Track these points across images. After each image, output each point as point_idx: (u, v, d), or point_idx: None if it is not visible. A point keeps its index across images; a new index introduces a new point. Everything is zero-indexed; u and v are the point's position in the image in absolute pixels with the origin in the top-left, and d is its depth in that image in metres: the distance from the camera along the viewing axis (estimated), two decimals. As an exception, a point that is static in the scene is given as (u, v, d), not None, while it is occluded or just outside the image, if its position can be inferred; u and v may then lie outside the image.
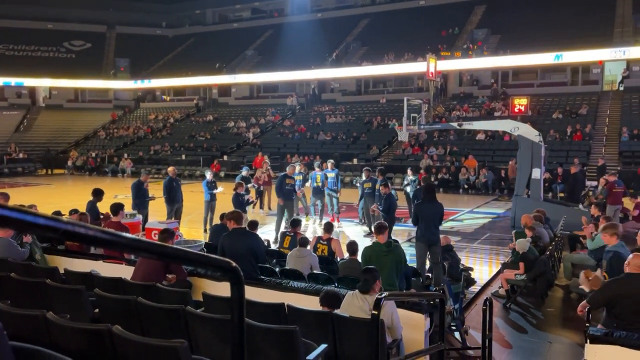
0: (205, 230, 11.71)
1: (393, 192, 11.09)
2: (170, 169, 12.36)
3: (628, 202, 12.06)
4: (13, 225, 0.97)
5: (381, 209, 10.38)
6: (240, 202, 10.65)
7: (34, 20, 41.96)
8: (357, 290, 4.45)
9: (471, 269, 8.28)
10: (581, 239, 9.28)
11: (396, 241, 6.14)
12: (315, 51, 34.70)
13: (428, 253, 7.63)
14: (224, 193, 12.50)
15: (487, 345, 4.64)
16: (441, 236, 8.04)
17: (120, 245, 1.08)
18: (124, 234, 1.11)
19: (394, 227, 10.81)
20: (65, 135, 36.58)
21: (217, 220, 11.30)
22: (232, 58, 39.84)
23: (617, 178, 12.70)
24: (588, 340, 4.02)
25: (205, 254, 1.90)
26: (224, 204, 11.40)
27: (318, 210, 13.33)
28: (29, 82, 39.00)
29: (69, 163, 30.43)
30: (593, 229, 8.02)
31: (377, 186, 11.45)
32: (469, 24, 34.01)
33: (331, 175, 13.22)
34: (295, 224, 8.31)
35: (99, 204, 9.38)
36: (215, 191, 11.95)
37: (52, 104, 40.50)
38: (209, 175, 12.23)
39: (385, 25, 35.68)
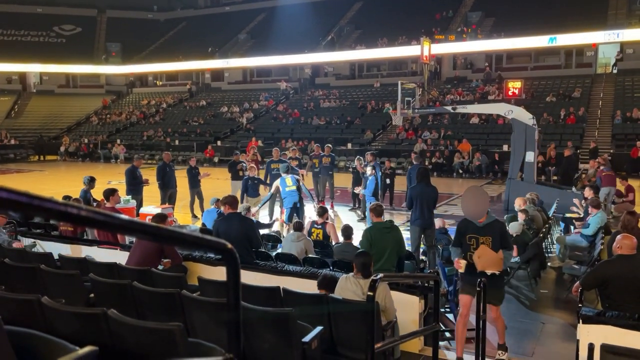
0: (193, 216, 11.74)
1: (378, 175, 11.17)
2: (165, 154, 12.33)
3: (620, 185, 12.11)
4: (7, 206, 0.95)
5: (365, 191, 10.44)
6: (252, 186, 10.56)
7: (22, 4, 41.29)
8: (350, 274, 4.45)
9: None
10: (574, 221, 9.35)
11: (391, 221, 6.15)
12: (309, 35, 34.44)
13: (422, 236, 7.67)
14: (218, 178, 12.46)
15: (480, 326, 4.68)
16: (437, 219, 8.08)
17: (114, 226, 1.07)
18: (117, 214, 1.10)
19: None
20: (57, 121, 36.26)
21: (207, 207, 11.33)
22: (225, 42, 39.47)
23: (604, 162, 12.79)
24: (580, 321, 4.07)
25: (201, 235, 1.89)
26: (221, 189, 11.37)
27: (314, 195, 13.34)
28: (19, 67, 38.50)
29: (62, 149, 30.22)
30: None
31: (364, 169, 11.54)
32: (463, 7, 33.81)
33: (327, 160, 13.25)
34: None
35: (92, 191, 9.39)
36: (199, 177, 11.95)
37: (43, 90, 40.08)
38: (192, 162, 12.21)
39: (378, 8, 35.40)
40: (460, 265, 4.76)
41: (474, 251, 4.68)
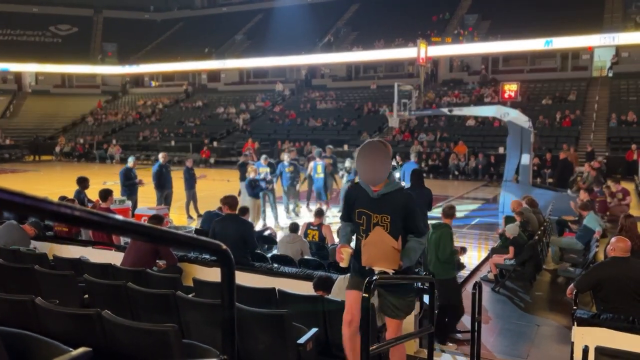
0: (188, 217, 11.72)
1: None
2: (161, 155, 12.29)
3: (614, 187, 12.14)
4: (2, 206, 0.95)
5: None
6: (253, 188, 10.59)
7: (18, 3, 41.13)
8: (348, 275, 4.45)
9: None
10: (569, 223, 9.39)
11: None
12: (306, 36, 34.44)
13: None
14: (214, 179, 12.44)
15: (476, 328, 4.69)
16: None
17: (108, 227, 1.06)
18: (111, 214, 1.09)
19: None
20: (52, 121, 36.13)
21: (201, 207, 11.33)
22: (222, 43, 39.43)
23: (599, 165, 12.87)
24: (575, 323, 4.08)
25: (195, 236, 1.88)
26: (217, 189, 11.35)
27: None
28: (14, 67, 38.35)
29: (57, 149, 30.11)
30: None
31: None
32: (460, 9, 33.89)
33: (329, 161, 13.33)
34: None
35: (86, 191, 9.37)
36: (197, 178, 11.94)
37: (38, 90, 39.93)
38: (189, 163, 12.16)
39: (375, 10, 35.45)
40: (342, 255, 3.27)
41: (364, 235, 3.25)
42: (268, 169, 11.51)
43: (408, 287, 3.45)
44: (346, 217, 3.49)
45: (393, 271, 3.15)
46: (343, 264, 3.31)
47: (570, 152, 17.41)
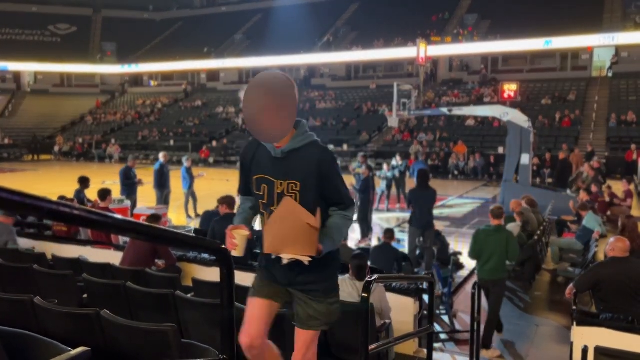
0: (188, 216, 11.72)
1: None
2: (162, 154, 12.26)
3: (619, 187, 12.13)
4: (1, 206, 0.94)
5: (357, 188, 10.59)
6: None
7: (17, 3, 41.09)
8: (346, 276, 4.44)
9: (460, 253, 8.36)
10: (569, 223, 9.39)
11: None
12: (305, 36, 34.45)
13: (421, 238, 7.73)
14: (213, 179, 12.43)
15: (475, 328, 4.68)
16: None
17: (107, 226, 1.06)
18: (110, 214, 1.09)
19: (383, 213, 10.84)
20: (51, 121, 36.09)
21: (200, 207, 11.33)
22: (221, 42, 39.43)
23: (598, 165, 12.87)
24: (574, 323, 4.08)
25: (194, 235, 1.88)
26: (215, 189, 11.34)
27: None
28: (13, 66, 38.30)
29: (56, 149, 30.09)
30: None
31: (357, 170, 11.77)
32: (460, 9, 33.90)
33: None
34: None
35: (86, 191, 9.37)
36: (197, 175, 11.92)
37: (37, 89, 39.88)
38: (187, 162, 12.12)
39: (375, 10, 35.44)
40: (234, 239, 2.25)
41: (266, 212, 2.31)
42: None
43: (331, 285, 2.43)
44: (243, 188, 2.47)
45: (310, 258, 2.18)
46: (236, 253, 2.25)
47: (575, 152, 17.38)
